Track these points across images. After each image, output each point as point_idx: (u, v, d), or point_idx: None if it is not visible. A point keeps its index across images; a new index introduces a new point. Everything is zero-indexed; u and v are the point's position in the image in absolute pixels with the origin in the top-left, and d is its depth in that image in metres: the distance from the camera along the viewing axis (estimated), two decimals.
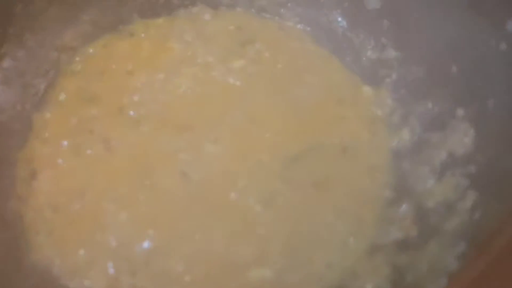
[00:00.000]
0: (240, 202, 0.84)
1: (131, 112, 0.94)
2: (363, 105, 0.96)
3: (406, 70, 0.95)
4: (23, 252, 0.81)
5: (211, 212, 0.84)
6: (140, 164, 0.88)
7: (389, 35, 0.98)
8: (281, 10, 1.07)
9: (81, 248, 0.81)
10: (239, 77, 0.98)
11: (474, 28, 0.82)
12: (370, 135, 0.92)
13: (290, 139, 0.91)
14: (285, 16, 1.07)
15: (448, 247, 0.72)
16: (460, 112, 0.84)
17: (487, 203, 0.73)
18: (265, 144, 0.90)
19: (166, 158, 0.89)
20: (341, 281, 0.80)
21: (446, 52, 0.88)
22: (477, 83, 0.82)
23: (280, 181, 0.87)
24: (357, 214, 0.85)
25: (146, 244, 0.82)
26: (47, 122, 0.93)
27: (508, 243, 0.64)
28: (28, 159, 0.88)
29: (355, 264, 0.81)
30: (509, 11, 0.78)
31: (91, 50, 1.02)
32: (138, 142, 0.90)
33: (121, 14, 1.05)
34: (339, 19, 1.04)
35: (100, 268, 0.80)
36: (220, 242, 0.82)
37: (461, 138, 0.82)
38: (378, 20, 0.98)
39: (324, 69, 1.01)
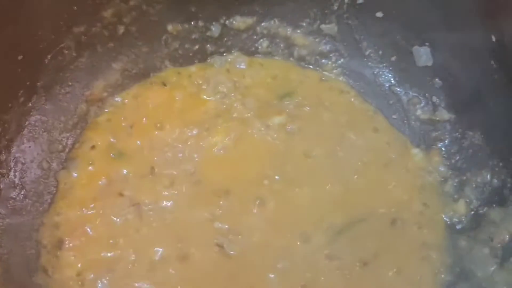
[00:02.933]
0: (281, 284, 0.77)
1: (163, 173, 0.88)
2: (413, 171, 0.89)
3: (461, 135, 0.88)
4: None
5: None
6: (173, 234, 0.82)
7: (442, 94, 0.91)
8: (322, 61, 1.01)
9: None
10: (278, 135, 0.92)
11: None
12: (421, 206, 0.85)
13: (335, 208, 0.85)
14: (326, 67, 1.01)
15: None
16: None
17: None
18: (309, 214, 0.84)
19: (201, 228, 0.82)
20: None
21: (507, 119, 0.81)
22: None
23: (324, 258, 0.80)
24: None
25: None
26: (74, 182, 0.87)
27: None
28: (54, 225, 0.82)
29: None
30: None
31: (121, 101, 0.96)
32: (170, 208, 0.84)
33: (153, 61, 1.00)
34: (386, 73, 0.97)
35: None
36: None
37: None
38: (430, 78, 0.92)
39: (369, 128, 0.94)
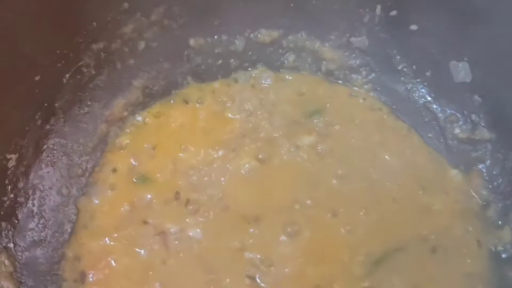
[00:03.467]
0: None
1: (189, 198, 0.83)
2: (452, 195, 0.84)
3: (504, 156, 0.83)
4: None
5: None
6: (202, 266, 0.77)
7: (482, 112, 0.86)
8: (352, 76, 0.96)
9: None
10: (308, 156, 0.87)
11: None
12: (463, 232, 0.80)
13: (371, 236, 0.80)
14: (356, 83, 0.96)
15: None
16: None
17: None
18: (345, 242, 0.79)
19: (231, 258, 0.78)
20: None
21: None
22: None
23: None
24: None
25: None
26: (95, 209, 0.82)
27: None
28: (76, 257, 0.78)
29: None
30: None
31: (142, 120, 0.92)
32: (198, 236, 0.80)
33: (175, 77, 0.95)
34: (420, 88, 0.92)
35: None
36: None
37: None
38: (468, 95, 0.86)
39: (404, 147, 0.89)
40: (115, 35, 0.87)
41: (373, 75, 0.95)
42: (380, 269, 0.77)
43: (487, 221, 0.81)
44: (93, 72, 0.87)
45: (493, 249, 0.79)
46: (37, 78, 0.79)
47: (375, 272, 0.77)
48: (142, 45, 0.91)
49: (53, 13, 0.77)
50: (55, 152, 0.83)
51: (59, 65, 0.82)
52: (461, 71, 0.86)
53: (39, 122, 0.81)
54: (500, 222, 0.80)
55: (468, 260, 0.78)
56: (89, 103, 0.88)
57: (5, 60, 0.74)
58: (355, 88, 0.96)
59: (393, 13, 0.89)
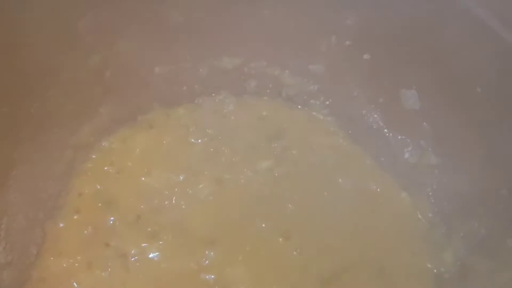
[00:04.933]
0: None
1: (150, 221, 0.87)
2: (401, 217, 0.88)
3: (449, 181, 0.87)
4: None
5: None
6: (160, 287, 0.81)
7: (429, 139, 0.90)
8: (311, 101, 1.01)
9: None
10: (266, 180, 0.92)
11: None
12: (410, 254, 0.85)
13: (323, 256, 0.84)
14: (314, 107, 1.00)
15: None
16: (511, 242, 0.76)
17: None
18: (297, 264, 0.83)
19: (187, 280, 0.82)
20: None
21: (496, 168, 0.80)
22: None
23: None
24: None
25: None
26: (61, 232, 0.86)
27: None
28: (40, 279, 0.82)
29: None
30: None
31: (108, 145, 0.96)
32: (157, 259, 0.84)
33: (140, 103, 0.99)
34: (374, 114, 0.97)
35: None
36: None
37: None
38: (417, 122, 0.91)
39: (357, 171, 0.94)
40: (82, 65, 0.91)
41: (330, 100, 1.00)
42: (331, 286, 0.81)
43: (433, 244, 0.85)
44: (61, 101, 0.91)
45: (435, 271, 0.83)
46: (4, 110, 0.83)
47: None
48: (108, 73, 0.95)
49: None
50: (22, 178, 0.87)
51: (28, 96, 0.86)
52: (410, 98, 0.91)
53: (6, 151, 0.85)
54: (444, 245, 0.84)
55: (413, 281, 0.82)
56: (56, 130, 0.91)
57: None
58: (313, 113, 1.00)
59: (348, 42, 0.94)
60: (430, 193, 0.89)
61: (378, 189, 0.92)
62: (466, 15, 0.78)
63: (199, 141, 0.96)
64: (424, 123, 0.90)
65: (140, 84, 0.98)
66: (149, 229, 0.86)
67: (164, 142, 0.96)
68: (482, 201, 0.82)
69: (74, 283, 0.81)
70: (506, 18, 0.75)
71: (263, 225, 0.87)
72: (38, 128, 0.89)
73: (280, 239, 0.86)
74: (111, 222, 0.87)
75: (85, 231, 0.86)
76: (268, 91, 1.02)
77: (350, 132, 0.98)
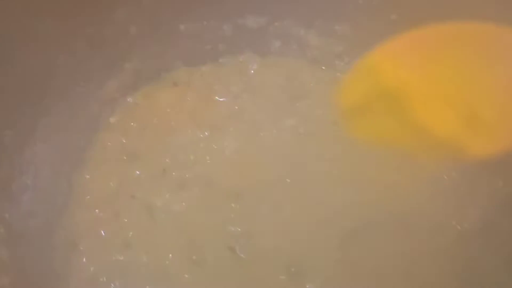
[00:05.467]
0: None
1: (175, 175, 0.88)
2: (425, 175, 0.88)
3: None
4: None
5: None
6: (185, 237, 0.82)
7: None
8: (336, 62, 1.00)
9: None
10: (290, 138, 0.92)
11: None
12: (433, 211, 0.85)
13: (347, 211, 0.84)
14: (339, 68, 1.00)
15: None
16: None
17: None
18: (321, 217, 0.84)
19: (213, 231, 0.83)
20: None
21: None
22: None
23: (335, 262, 0.80)
24: None
25: None
26: (87, 184, 0.87)
27: None
28: (68, 227, 0.83)
29: None
30: None
31: (132, 101, 0.96)
32: (182, 210, 0.85)
33: (165, 61, 0.99)
34: None
35: None
36: None
37: None
38: None
39: None
40: (107, 19, 0.91)
41: (355, 61, 0.99)
42: (353, 242, 0.82)
43: (456, 200, 0.85)
44: (87, 54, 0.91)
45: (459, 228, 0.83)
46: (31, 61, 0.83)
47: (347, 244, 0.81)
48: (133, 29, 0.95)
49: None
50: (48, 130, 0.87)
51: (53, 46, 0.87)
52: None
53: (33, 101, 0.85)
54: (467, 202, 0.84)
55: (437, 237, 0.83)
56: (82, 84, 0.92)
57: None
58: (338, 74, 1.00)
59: (374, 2, 0.93)
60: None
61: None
62: None
63: (223, 99, 0.96)
64: None
65: (165, 41, 0.98)
66: (174, 182, 0.87)
67: (189, 99, 0.96)
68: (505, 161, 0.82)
69: (102, 232, 0.82)
70: None
71: (288, 180, 0.87)
72: (64, 81, 0.90)
73: (306, 194, 0.86)
74: (136, 175, 0.88)
75: (111, 183, 0.87)
76: (292, 51, 1.01)
77: None
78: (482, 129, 0.59)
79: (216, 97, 0.96)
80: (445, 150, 0.62)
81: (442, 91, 0.58)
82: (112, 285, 0.78)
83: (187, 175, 0.88)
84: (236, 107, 0.95)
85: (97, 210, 0.85)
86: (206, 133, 0.92)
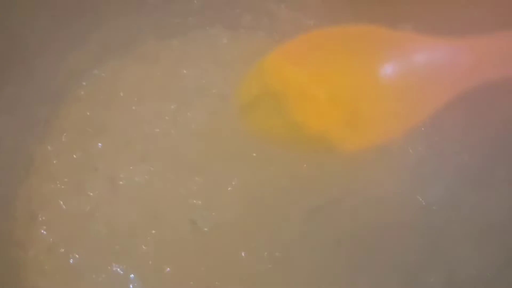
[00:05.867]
0: (252, 261, 0.77)
1: (139, 147, 0.87)
2: (391, 150, 0.87)
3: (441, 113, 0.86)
4: None
5: (219, 269, 0.77)
6: (147, 209, 0.81)
7: None
8: None
9: None
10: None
11: None
12: (399, 186, 0.84)
13: (311, 188, 0.84)
14: None
15: None
16: (500, 172, 0.75)
17: None
18: (284, 193, 0.83)
19: (175, 204, 0.82)
20: None
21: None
22: None
23: (298, 236, 0.80)
24: (381, 278, 0.78)
25: None
26: (49, 156, 0.86)
27: None
28: (27, 198, 0.82)
29: None
30: None
31: (98, 74, 0.95)
32: (145, 183, 0.84)
33: (133, 34, 0.97)
34: None
35: None
36: None
37: (501, 202, 0.74)
38: None
39: None
40: None
41: None
42: (315, 218, 0.81)
43: (423, 177, 0.85)
44: (52, 25, 0.89)
45: (425, 203, 0.83)
46: None
47: (310, 221, 0.81)
48: (101, 0, 0.93)
49: None
50: (12, 101, 0.86)
51: (18, 17, 0.85)
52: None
53: None
54: (434, 179, 0.84)
55: (403, 212, 0.82)
56: (47, 55, 0.90)
57: None
58: None
59: None
60: (422, 128, 0.88)
61: None
62: None
63: (192, 72, 0.95)
64: None
65: (133, 13, 0.96)
66: (138, 155, 0.86)
67: (156, 72, 0.95)
68: (474, 133, 0.81)
69: (62, 203, 0.81)
70: None
71: (253, 154, 0.86)
72: (28, 52, 0.88)
73: (270, 169, 0.85)
74: (100, 147, 0.87)
75: (74, 155, 0.86)
76: (263, 25, 1.00)
77: None
78: (360, 125, 0.62)
79: (184, 71, 0.95)
80: (321, 143, 0.66)
81: (327, 90, 0.61)
82: (71, 256, 0.77)
83: (151, 148, 0.87)
84: (204, 81, 0.94)
85: (58, 182, 0.83)
86: (172, 107, 0.91)
